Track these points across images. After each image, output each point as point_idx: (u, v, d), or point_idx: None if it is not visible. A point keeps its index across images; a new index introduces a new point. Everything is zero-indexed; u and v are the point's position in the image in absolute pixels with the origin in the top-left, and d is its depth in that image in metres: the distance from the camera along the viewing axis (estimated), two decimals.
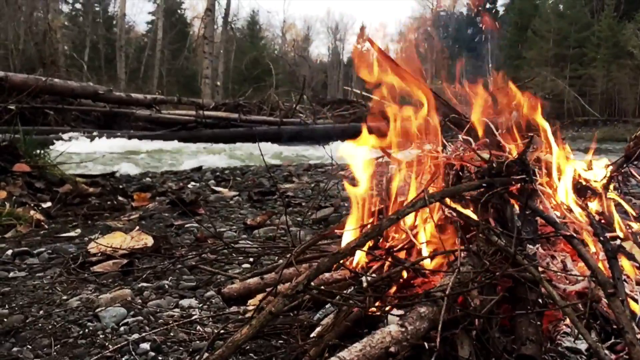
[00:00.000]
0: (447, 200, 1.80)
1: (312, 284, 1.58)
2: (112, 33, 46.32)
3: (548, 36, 46.88)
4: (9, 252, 2.84)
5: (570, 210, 1.92)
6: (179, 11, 54.20)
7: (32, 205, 4.60)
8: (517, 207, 1.85)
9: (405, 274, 1.80)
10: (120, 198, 5.37)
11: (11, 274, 2.52)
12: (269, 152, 12.14)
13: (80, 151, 10.22)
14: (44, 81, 11.45)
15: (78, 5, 51.51)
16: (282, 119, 18.52)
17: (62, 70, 24.21)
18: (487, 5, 63.69)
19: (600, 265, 1.73)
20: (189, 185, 6.24)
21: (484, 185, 1.81)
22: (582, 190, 2.06)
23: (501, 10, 63.28)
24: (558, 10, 49.53)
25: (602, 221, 1.97)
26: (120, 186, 5.95)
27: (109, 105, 16.92)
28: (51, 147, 7.21)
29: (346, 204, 4.28)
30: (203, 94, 30.71)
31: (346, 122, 18.21)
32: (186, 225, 3.43)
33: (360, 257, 1.90)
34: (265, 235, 3.11)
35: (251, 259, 2.59)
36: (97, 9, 50.44)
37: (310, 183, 5.60)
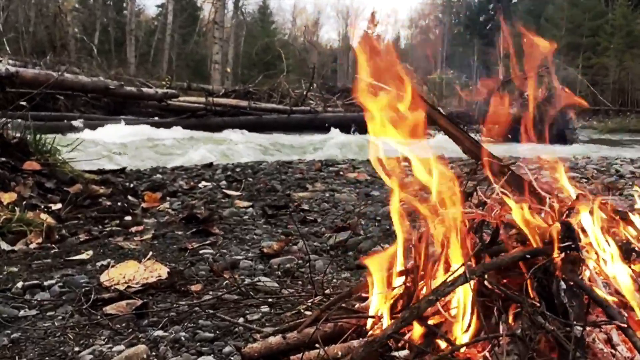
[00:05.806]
0: None
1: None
2: (122, 16, 46.06)
3: (561, 24, 46.31)
4: (19, 284, 2.74)
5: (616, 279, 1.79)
6: None
7: (42, 207, 4.54)
8: (561, 279, 1.72)
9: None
10: (130, 198, 5.30)
11: (21, 312, 2.43)
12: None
13: (90, 140, 10.11)
14: (55, 78, 11.39)
15: None
16: (292, 107, 18.43)
17: (73, 54, 24.16)
18: None
19: None
20: (200, 185, 6.15)
21: (528, 255, 1.68)
22: (627, 252, 1.92)
23: None
24: None
25: None
26: (131, 184, 5.87)
27: None
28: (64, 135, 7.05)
29: (363, 222, 4.16)
30: (213, 79, 30.59)
31: (356, 111, 18.10)
32: (200, 252, 3.33)
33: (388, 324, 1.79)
34: (283, 267, 3.00)
35: (270, 300, 2.49)
36: None
37: (324, 192, 5.48)
